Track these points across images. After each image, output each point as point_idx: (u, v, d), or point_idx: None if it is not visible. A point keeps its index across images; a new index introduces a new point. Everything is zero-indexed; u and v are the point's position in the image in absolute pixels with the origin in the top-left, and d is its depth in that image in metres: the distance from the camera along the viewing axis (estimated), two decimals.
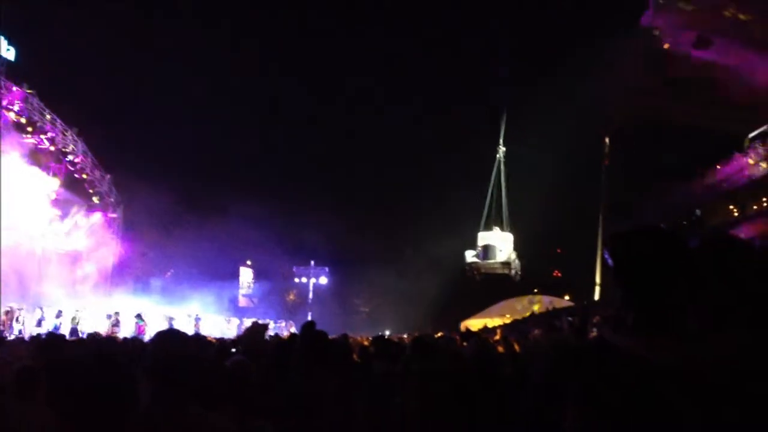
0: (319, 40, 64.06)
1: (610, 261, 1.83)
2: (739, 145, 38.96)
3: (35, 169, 29.37)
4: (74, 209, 32.78)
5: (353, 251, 57.06)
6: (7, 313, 23.38)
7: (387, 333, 22.69)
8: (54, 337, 10.71)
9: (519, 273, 30.17)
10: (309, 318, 48.47)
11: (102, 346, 7.95)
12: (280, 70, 64.48)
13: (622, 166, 44.71)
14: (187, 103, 51.52)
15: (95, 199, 35.82)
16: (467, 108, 56.87)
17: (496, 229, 29.60)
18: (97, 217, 35.16)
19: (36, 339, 11.89)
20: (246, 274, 54.10)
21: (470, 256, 29.20)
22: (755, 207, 36.03)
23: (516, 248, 30.80)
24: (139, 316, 27.64)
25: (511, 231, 29.89)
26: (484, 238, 29.60)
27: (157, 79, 51.15)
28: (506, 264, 28.41)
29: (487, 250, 28.40)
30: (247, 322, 35.07)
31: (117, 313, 27.51)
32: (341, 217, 52.13)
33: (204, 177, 51.46)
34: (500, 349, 9.09)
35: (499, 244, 28.98)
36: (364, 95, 60.46)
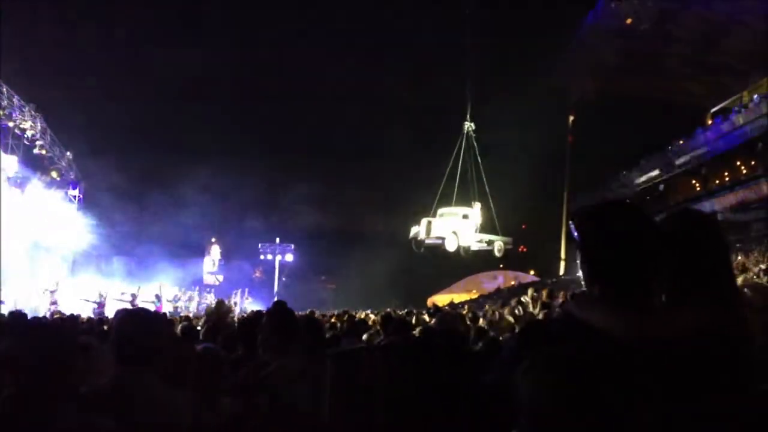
0: (280, 9, 62.93)
1: (576, 235, 1.82)
2: (701, 120, 39.46)
3: None
4: (33, 187, 32.08)
5: (319, 228, 57.02)
6: None
7: (354, 310, 22.74)
8: (15, 316, 10.54)
9: (501, 250, 30.31)
10: (275, 294, 48.50)
11: (62, 326, 7.83)
12: (242, 41, 63.51)
13: (586, 141, 45.13)
14: (148, 77, 50.70)
15: (54, 175, 35.16)
16: (434, 82, 56.76)
17: (477, 204, 29.78)
18: (57, 194, 34.50)
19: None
20: (211, 252, 53.75)
21: (414, 231, 29.49)
22: (717, 182, 36.58)
23: (500, 226, 31.03)
24: (157, 296, 29.26)
25: (481, 206, 29.98)
26: (441, 213, 29.86)
27: (117, 53, 50.24)
28: (441, 239, 28.70)
29: (427, 226, 28.81)
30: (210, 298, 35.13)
31: (134, 295, 28.49)
32: (307, 194, 51.86)
33: (167, 154, 50.79)
34: (467, 324, 9.16)
35: (457, 220, 29.24)
36: (326, 70, 59.87)
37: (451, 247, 28.81)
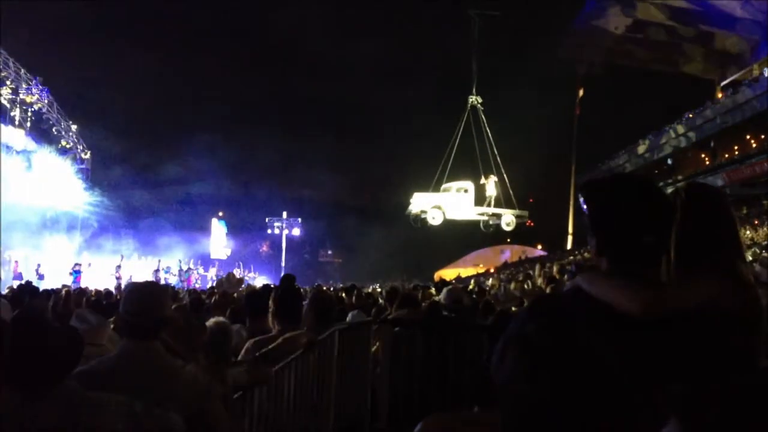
0: None
1: (585, 208, 1.81)
2: (711, 94, 39.06)
3: None
4: (40, 159, 32.11)
5: (326, 203, 57.11)
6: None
7: (361, 284, 22.89)
8: (24, 289, 10.61)
9: (512, 223, 30.36)
10: (282, 268, 48.69)
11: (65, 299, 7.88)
12: (251, 12, 63.14)
13: (595, 115, 44.84)
14: (156, 49, 50.50)
15: (61, 146, 35.20)
16: (442, 56, 56.45)
17: (492, 178, 29.93)
18: (64, 166, 34.54)
19: (11, 291, 11.78)
20: (218, 226, 53.85)
21: (410, 205, 30.04)
22: (727, 155, 36.28)
23: (509, 199, 31.14)
24: (189, 269, 31.32)
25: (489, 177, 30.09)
26: (444, 188, 30.15)
27: (123, 25, 50.04)
28: (423, 212, 29.33)
29: (416, 200, 29.55)
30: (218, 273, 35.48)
31: (190, 269, 30.79)
32: (315, 169, 51.91)
33: (175, 129, 50.82)
34: (474, 297, 9.19)
35: (448, 195, 29.57)
36: (334, 43, 59.55)
37: (434, 221, 29.20)
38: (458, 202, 29.28)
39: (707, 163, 38.10)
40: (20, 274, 24.33)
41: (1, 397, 1.94)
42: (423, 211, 29.39)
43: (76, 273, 25.92)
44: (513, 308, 7.22)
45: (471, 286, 14.30)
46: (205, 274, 38.13)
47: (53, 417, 1.98)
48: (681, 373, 1.59)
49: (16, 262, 26.14)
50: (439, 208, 29.06)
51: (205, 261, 45.33)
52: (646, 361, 1.57)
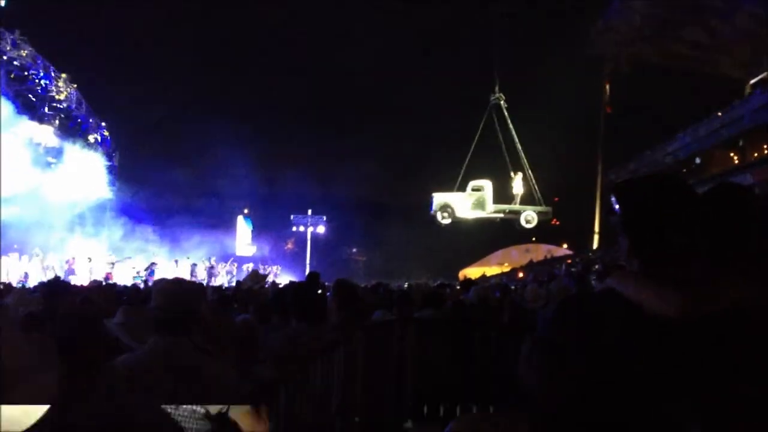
0: None
1: (616, 208, 1.79)
2: (740, 92, 38.51)
3: (25, 119, 29.11)
4: (69, 156, 32.45)
5: (351, 200, 57.12)
6: None
7: (386, 282, 22.93)
8: (56, 283, 10.74)
9: (532, 220, 30.30)
10: (307, 266, 48.84)
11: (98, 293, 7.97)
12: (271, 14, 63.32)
13: (621, 112, 44.40)
14: (183, 49, 50.85)
15: (90, 144, 35.52)
16: (466, 53, 56.22)
17: (519, 174, 30.04)
18: (93, 164, 34.86)
19: (42, 285, 11.92)
20: (244, 223, 54.06)
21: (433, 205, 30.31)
22: (756, 154, 35.75)
23: (534, 196, 31.14)
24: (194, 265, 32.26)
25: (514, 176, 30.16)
26: (470, 186, 30.23)
27: (150, 22, 50.43)
28: (436, 212, 29.64)
29: (434, 199, 29.97)
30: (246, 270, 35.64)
31: (213, 266, 32.22)
32: (340, 167, 51.97)
33: (200, 127, 51.14)
34: (499, 297, 9.14)
35: (458, 195, 29.84)
36: (360, 41, 59.52)
37: (444, 220, 29.45)
38: (469, 202, 29.40)
39: (736, 161, 37.59)
40: (73, 269, 25.01)
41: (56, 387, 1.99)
42: (436, 211, 29.76)
43: (151, 272, 26.42)
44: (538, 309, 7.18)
45: (496, 285, 14.25)
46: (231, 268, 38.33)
47: (92, 415, 2.01)
48: (714, 379, 1.56)
49: (73, 258, 26.72)
50: (446, 207, 29.33)
51: (229, 258, 45.61)
52: (678, 366, 1.55)
